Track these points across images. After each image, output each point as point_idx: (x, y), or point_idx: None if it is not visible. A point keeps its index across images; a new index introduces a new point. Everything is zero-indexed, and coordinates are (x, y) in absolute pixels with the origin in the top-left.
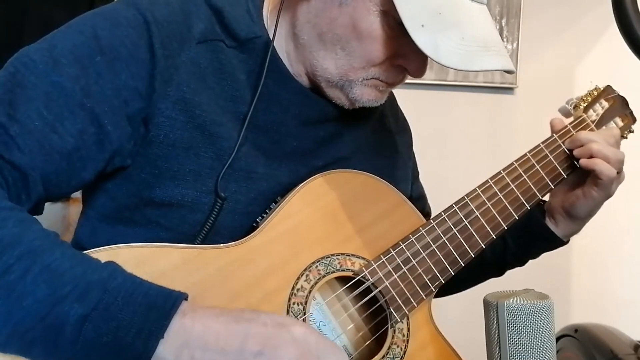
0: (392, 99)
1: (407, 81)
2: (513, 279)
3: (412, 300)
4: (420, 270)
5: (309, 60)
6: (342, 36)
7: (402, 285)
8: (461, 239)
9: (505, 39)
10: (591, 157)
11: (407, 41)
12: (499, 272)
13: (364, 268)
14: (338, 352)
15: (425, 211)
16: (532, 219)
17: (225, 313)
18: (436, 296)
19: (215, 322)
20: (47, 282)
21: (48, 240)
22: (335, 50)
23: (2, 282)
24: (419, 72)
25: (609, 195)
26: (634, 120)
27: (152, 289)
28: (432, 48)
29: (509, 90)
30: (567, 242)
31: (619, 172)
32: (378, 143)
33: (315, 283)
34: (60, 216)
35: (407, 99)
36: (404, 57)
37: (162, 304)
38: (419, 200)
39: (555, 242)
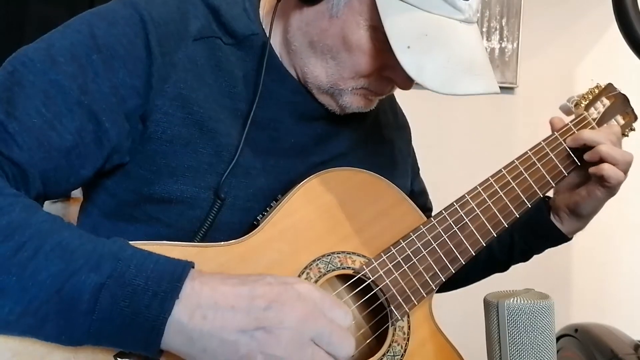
0: (391, 95)
1: None
2: (513, 279)
3: (413, 298)
4: (420, 268)
5: (300, 66)
6: (332, 47)
7: (402, 283)
8: (462, 237)
9: (505, 39)
10: (600, 159)
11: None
12: (505, 268)
13: (364, 266)
14: (342, 306)
15: (426, 207)
16: (539, 215)
17: (232, 276)
18: (442, 291)
19: (223, 284)
20: (60, 258)
21: (56, 223)
22: (326, 59)
23: (15, 261)
24: (406, 84)
25: (613, 194)
26: (636, 118)
27: (161, 257)
28: (416, 70)
29: (509, 90)
30: (571, 238)
31: (625, 173)
32: (376, 139)
33: (316, 281)
34: (60, 215)
35: (407, 98)
36: (392, 69)
37: (173, 270)
38: (421, 195)
39: (560, 238)
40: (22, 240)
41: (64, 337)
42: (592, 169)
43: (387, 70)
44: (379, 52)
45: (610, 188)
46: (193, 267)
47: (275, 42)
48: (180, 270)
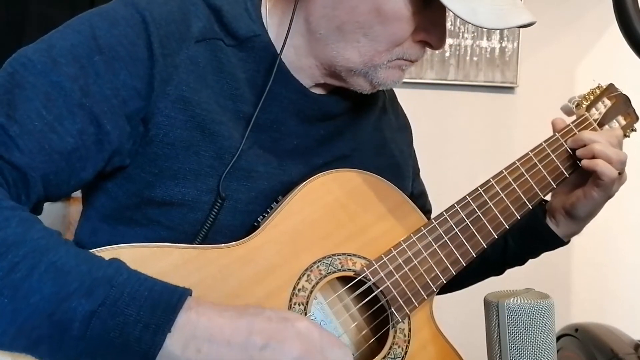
0: (392, 96)
1: (407, 81)
2: (514, 279)
3: (414, 300)
4: (421, 270)
5: (326, 53)
6: (364, 23)
7: (403, 285)
8: (462, 239)
9: (505, 38)
10: (593, 157)
11: (428, 14)
12: (499, 271)
13: (365, 268)
14: (341, 346)
15: (425, 208)
16: (534, 218)
17: (230, 308)
18: (437, 294)
19: (220, 316)
20: (53, 280)
21: (52, 239)
22: (357, 39)
23: (8, 281)
24: (441, 43)
25: (609, 195)
26: (637, 118)
27: (157, 284)
28: (469, 14)
29: (509, 89)
30: (568, 242)
31: (621, 173)
32: (378, 140)
33: (317, 283)
34: (60, 215)
35: (407, 98)
36: (426, 31)
37: (168, 299)
38: (420, 197)
39: (556, 242)
40: (15, 259)
41: (58, 357)
42: (585, 162)
43: (420, 34)
44: (414, 16)
45: (604, 186)
46: (190, 295)
47: (281, 38)
48: (176, 299)
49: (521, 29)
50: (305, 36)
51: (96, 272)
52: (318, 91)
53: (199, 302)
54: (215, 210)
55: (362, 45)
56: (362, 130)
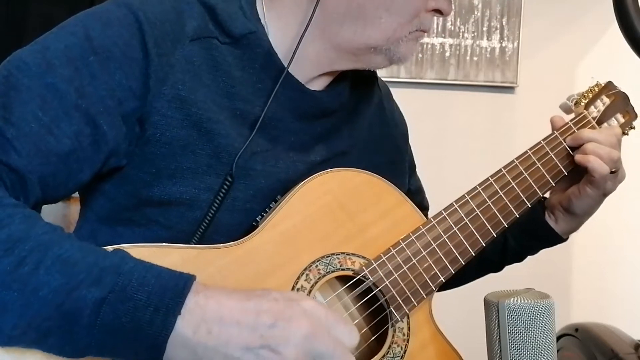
0: (387, 92)
1: (407, 81)
2: (514, 278)
3: (413, 299)
4: (420, 269)
5: (341, 34)
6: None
7: (402, 285)
8: (462, 238)
9: (505, 38)
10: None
11: None
12: (498, 268)
13: (364, 267)
14: (347, 323)
15: (423, 205)
16: (533, 215)
17: (236, 291)
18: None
19: (228, 298)
20: (61, 272)
21: (56, 234)
22: (380, 15)
23: (15, 276)
24: (450, 8)
25: (605, 192)
26: (636, 116)
27: (163, 271)
28: None
29: (509, 89)
30: (566, 239)
31: (615, 170)
32: (376, 137)
33: (316, 282)
34: (60, 215)
35: (407, 98)
36: None
37: (175, 284)
38: (417, 193)
39: (555, 239)
40: (22, 254)
41: (66, 349)
42: (577, 157)
43: (431, 2)
44: None
45: (596, 183)
46: (195, 280)
47: (279, 33)
48: (183, 284)
49: (521, 28)
50: (316, 21)
51: (102, 262)
52: (315, 87)
53: (206, 286)
54: (216, 206)
55: (384, 22)
56: (359, 126)
